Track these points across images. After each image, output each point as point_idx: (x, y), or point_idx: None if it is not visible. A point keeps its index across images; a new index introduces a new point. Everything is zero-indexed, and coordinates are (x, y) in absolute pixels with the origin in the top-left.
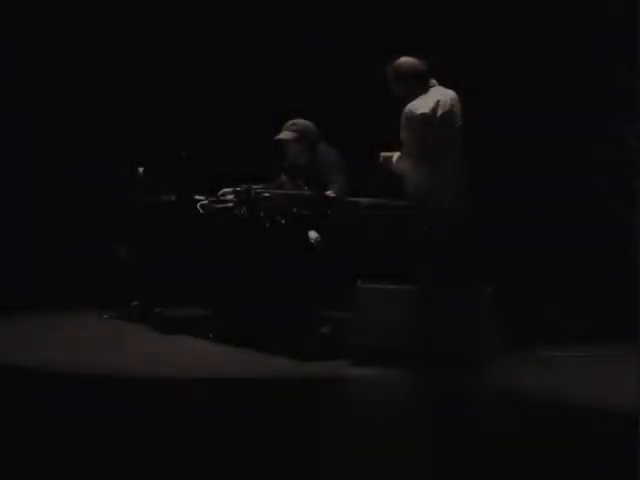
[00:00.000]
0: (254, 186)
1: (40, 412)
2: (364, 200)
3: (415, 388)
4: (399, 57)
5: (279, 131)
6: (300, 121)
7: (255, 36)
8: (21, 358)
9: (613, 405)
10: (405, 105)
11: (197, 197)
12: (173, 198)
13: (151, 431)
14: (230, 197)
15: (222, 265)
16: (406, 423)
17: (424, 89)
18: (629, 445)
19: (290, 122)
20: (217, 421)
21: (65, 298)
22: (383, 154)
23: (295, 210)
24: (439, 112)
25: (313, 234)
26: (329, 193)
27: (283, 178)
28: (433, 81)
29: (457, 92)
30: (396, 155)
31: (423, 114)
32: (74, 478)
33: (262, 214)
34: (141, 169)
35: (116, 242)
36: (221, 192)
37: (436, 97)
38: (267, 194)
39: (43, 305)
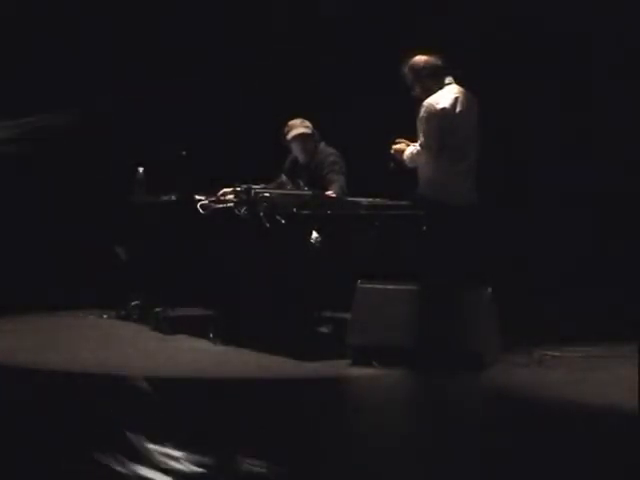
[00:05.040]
0: (254, 186)
1: (40, 412)
2: (364, 200)
3: (415, 388)
4: (414, 55)
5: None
6: (305, 120)
7: (254, 35)
8: (21, 358)
9: (613, 405)
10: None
11: (197, 197)
12: (173, 198)
13: (151, 431)
14: (230, 197)
15: (222, 265)
16: (406, 423)
17: (440, 85)
18: (629, 445)
19: (298, 120)
20: (217, 421)
21: (65, 298)
22: (395, 146)
23: (295, 210)
24: (458, 108)
25: (313, 234)
26: (329, 193)
27: (283, 178)
28: (449, 78)
29: None
30: (408, 148)
31: (443, 108)
32: (73, 478)
33: (262, 214)
34: (141, 169)
35: (116, 242)
36: (221, 192)
37: (455, 94)
38: (267, 194)
39: (43, 305)
